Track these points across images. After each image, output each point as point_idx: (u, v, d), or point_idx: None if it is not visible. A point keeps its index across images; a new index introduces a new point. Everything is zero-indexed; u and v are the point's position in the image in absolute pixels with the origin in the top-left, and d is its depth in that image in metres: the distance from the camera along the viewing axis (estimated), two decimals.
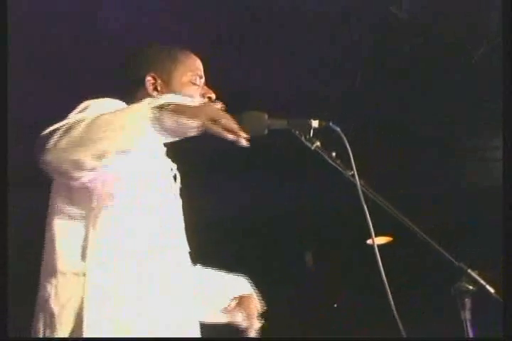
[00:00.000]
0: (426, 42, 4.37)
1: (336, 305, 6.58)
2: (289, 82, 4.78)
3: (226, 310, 2.49)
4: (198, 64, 2.39)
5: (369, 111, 5.14)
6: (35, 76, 4.37)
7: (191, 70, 2.35)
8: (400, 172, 5.84)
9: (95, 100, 2.11)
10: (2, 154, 2.16)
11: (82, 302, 1.95)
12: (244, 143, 1.90)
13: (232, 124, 1.88)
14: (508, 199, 2.14)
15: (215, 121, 1.86)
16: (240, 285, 2.56)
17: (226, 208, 5.94)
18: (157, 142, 2.03)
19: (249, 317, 2.50)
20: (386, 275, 2.03)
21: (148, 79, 2.33)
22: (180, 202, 2.30)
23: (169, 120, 1.85)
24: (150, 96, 2.27)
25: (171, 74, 2.33)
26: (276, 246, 6.46)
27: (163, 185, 2.20)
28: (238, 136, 1.88)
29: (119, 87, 2.36)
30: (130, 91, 2.33)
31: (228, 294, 2.54)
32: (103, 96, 2.14)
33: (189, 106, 1.89)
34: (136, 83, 2.33)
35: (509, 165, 2.22)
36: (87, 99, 2.10)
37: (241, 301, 2.52)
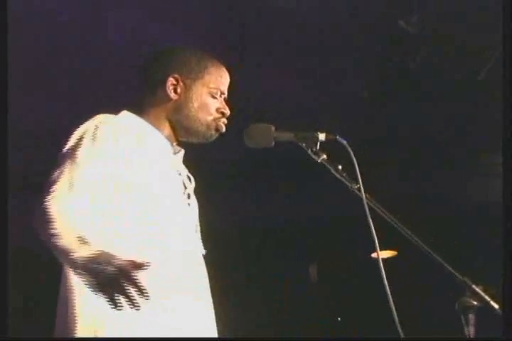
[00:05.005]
0: (432, 55, 4.37)
1: (339, 319, 6.56)
2: (297, 95, 4.79)
3: None
4: (224, 79, 2.34)
5: (372, 123, 5.14)
6: (35, 76, 4.35)
7: (215, 83, 2.30)
8: (403, 185, 5.83)
9: (90, 125, 2.10)
10: (2, 158, 2.15)
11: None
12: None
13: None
14: (509, 214, 2.13)
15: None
16: None
17: (230, 219, 5.93)
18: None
19: None
20: (390, 289, 2.03)
21: (171, 79, 2.27)
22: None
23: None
24: (168, 97, 2.27)
25: (195, 81, 2.28)
26: (279, 258, 6.44)
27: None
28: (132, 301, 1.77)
29: (141, 85, 2.33)
30: (151, 91, 2.30)
31: None
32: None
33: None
34: (158, 83, 2.29)
35: (509, 181, 2.21)
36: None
37: None
